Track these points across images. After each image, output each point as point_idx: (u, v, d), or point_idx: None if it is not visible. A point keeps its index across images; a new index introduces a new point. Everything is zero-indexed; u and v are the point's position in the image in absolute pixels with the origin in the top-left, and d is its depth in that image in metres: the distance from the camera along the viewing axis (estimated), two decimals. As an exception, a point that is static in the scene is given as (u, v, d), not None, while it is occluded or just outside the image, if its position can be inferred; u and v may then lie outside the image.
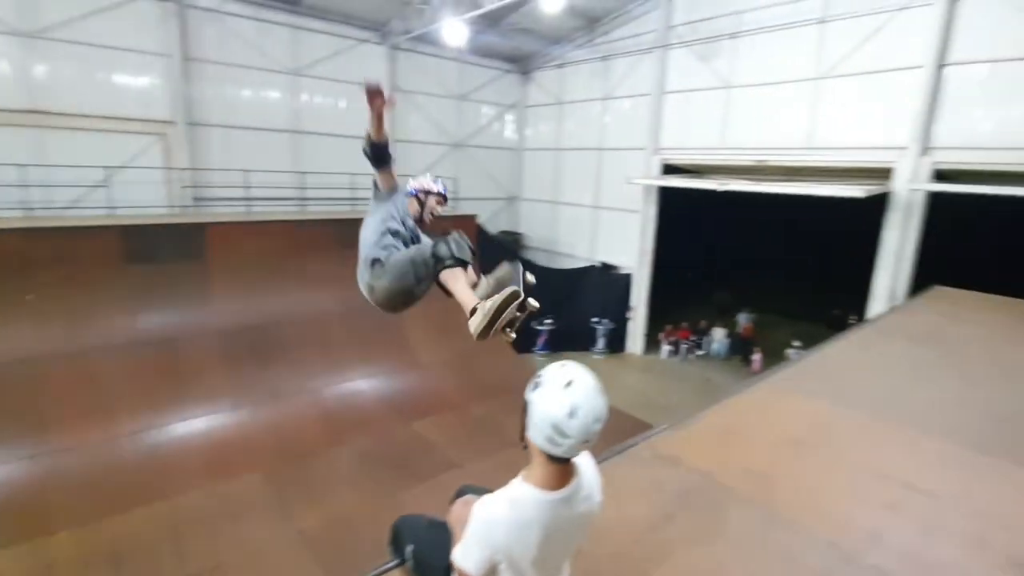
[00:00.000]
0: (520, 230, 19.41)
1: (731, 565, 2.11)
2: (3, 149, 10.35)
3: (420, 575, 2.03)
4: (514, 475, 1.58)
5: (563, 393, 1.48)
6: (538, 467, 1.59)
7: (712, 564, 2.15)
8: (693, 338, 15.92)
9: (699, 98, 13.78)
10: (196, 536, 6.80)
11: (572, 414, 1.45)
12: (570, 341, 15.34)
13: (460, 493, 2.16)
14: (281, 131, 13.89)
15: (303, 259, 11.03)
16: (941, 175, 10.38)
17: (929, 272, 10.20)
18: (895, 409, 3.77)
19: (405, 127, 16.05)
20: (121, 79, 11.72)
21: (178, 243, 9.79)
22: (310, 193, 14.23)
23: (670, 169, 14.81)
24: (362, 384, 10.34)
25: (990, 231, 12.86)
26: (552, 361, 1.65)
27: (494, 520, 1.57)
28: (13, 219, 9.84)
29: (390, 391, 9.64)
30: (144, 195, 12.08)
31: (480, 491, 2.15)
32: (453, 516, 1.94)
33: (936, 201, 10.49)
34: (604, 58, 16.01)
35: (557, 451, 1.50)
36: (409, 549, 2.05)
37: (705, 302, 19.16)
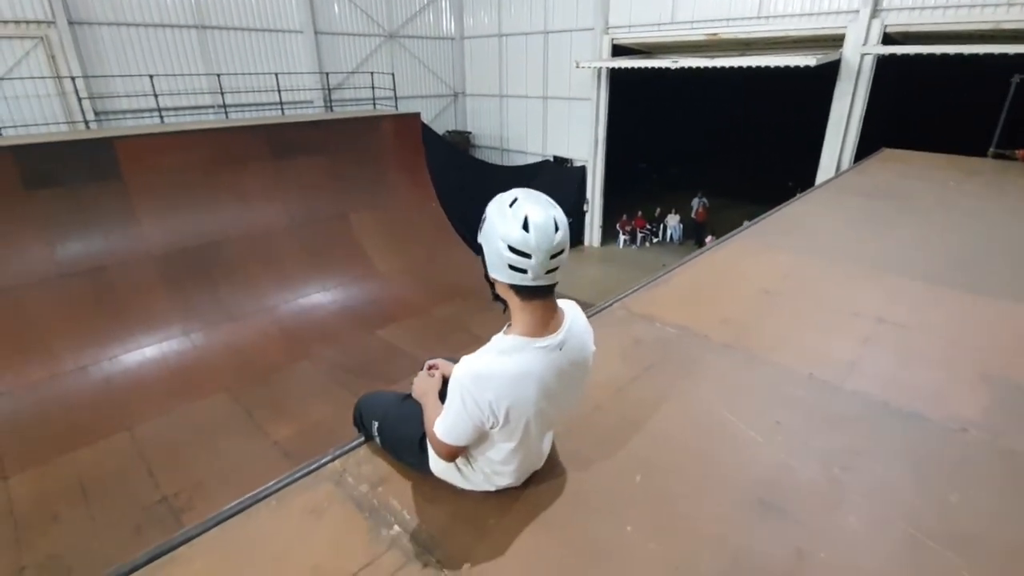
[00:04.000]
0: (468, 129, 18.42)
1: (717, 401, 2.10)
2: None
3: (390, 450, 1.90)
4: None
5: (510, 210, 1.29)
6: (517, 314, 1.39)
7: (698, 402, 2.13)
8: (649, 226, 16.06)
9: (647, -32, 12.81)
10: (167, 460, 6.67)
11: (525, 225, 1.26)
12: (528, 240, 15.15)
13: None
14: (184, 27, 12.12)
15: (235, 172, 10.09)
16: (889, 40, 10.22)
17: (873, 141, 10.35)
18: (860, 255, 3.82)
19: (328, 17, 14.36)
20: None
21: (86, 162, 8.69)
22: (230, 98, 12.77)
23: (620, 51, 14.05)
24: (320, 297, 10.01)
25: (934, 94, 13.08)
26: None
27: (483, 376, 1.36)
28: None
29: (350, 302, 9.34)
30: (35, 112, 10.59)
31: (451, 360, 1.98)
32: (418, 387, 1.78)
33: (881, 70, 10.39)
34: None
35: (526, 279, 1.30)
36: (375, 425, 1.90)
37: (656, 192, 19.17)
